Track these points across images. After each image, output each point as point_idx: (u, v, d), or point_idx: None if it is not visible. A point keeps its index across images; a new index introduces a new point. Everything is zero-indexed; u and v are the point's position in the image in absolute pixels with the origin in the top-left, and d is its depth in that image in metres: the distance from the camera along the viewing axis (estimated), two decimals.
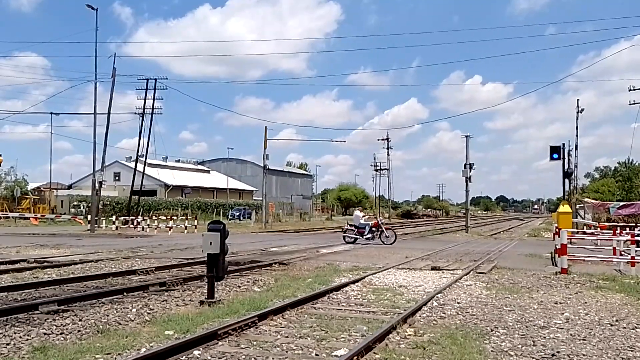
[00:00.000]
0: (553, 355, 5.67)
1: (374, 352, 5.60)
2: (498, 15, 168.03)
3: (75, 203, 51.04)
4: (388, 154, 77.13)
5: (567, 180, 31.71)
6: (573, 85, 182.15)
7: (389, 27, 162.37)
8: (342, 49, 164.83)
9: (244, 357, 5.41)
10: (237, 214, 56.59)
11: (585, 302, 8.93)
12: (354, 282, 10.71)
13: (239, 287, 10.18)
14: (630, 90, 34.60)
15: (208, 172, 77.09)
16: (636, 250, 12.89)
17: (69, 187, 63.67)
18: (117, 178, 61.28)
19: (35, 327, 6.49)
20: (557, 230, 15.36)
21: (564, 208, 24.14)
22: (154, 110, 39.52)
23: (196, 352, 5.49)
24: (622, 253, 14.17)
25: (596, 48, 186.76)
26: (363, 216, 23.92)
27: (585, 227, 26.71)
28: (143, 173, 41.24)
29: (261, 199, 49.83)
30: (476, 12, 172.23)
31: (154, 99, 39.24)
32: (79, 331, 6.41)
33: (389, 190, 79.59)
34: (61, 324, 6.66)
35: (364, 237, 22.15)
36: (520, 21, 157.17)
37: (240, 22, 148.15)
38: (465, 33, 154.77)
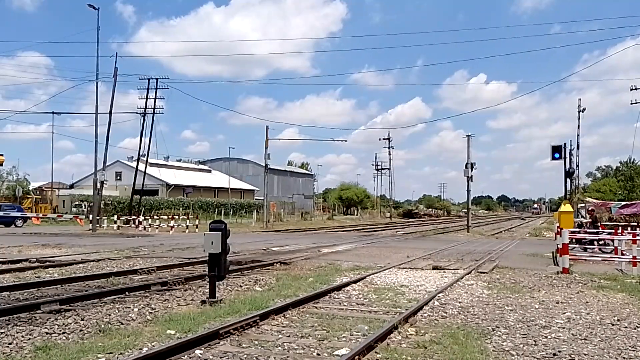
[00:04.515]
0: (554, 354, 5.67)
1: (376, 352, 5.61)
2: (502, 14, 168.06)
3: (76, 202, 51.12)
4: (389, 153, 77.24)
5: (568, 180, 31.71)
6: (577, 84, 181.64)
7: (394, 26, 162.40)
8: (346, 48, 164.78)
9: (245, 356, 5.42)
10: None
11: (587, 302, 8.92)
12: (355, 282, 10.71)
13: (241, 286, 10.19)
14: (632, 89, 34.59)
15: (209, 171, 77.09)
16: (638, 250, 12.87)
17: (71, 186, 63.74)
18: (118, 178, 61.29)
19: (38, 326, 6.50)
20: (559, 229, 15.35)
21: (566, 207, 24.08)
22: (156, 109, 39.58)
23: (198, 352, 5.50)
24: (624, 253, 14.15)
25: (601, 47, 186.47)
26: None
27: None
28: (144, 173, 41.29)
29: (262, 198, 49.84)
30: (480, 11, 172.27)
31: (155, 98, 39.31)
32: (81, 330, 6.43)
33: (390, 190, 79.66)
34: (63, 324, 6.68)
35: None
36: (524, 20, 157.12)
37: (244, 20, 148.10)
38: (469, 32, 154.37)
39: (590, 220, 19.42)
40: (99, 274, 11.38)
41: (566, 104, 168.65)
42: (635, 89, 34.48)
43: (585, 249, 17.75)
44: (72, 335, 6.20)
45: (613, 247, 16.98)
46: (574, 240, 19.04)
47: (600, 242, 17.63)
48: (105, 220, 35.10)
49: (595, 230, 17.28)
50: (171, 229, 31.44)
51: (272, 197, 61.99)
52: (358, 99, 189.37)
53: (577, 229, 19.06)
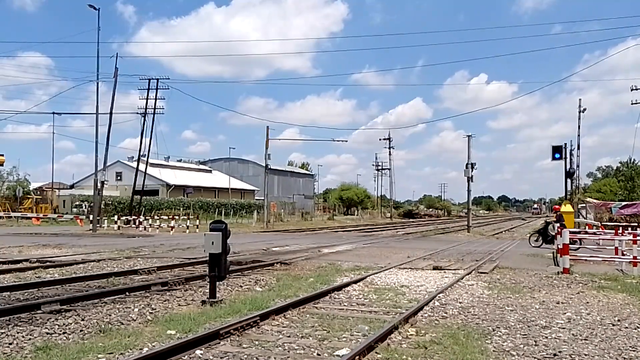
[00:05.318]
0: (555, 355, 5.67)
1: (376, 352, 5.61)
2: (503, 14, 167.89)
3: (77, 203, 51.07)
4: (390, 154, 77.27)
5: (569, 180, 31.69)
6: (578, 84, 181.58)
7: (394, 27, 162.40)
8: (347, 48, 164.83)
9: (246, 356, 5.42)
10: None
11: (587, 302, 8.92)
12: (355, 282, 10.71)
13: (241, 286, 10.19)
14: (632, 89, 34.54)
15: (210, 171, 77.08)
16: (638, 250, 12.85)
17: (71, 186, 63.69)
18: (119, 178, 61.28)
19: (38, 326, 6.51)
20: (559, 230, 15.34)
21: (566, 208, 24.14)
22: (156, 110, 39.52)
23: (198, 352, 5.50)
24: (624, 253, 14.15)
25: (602, 47, 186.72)
26: None
27: (587, 227, 26.66)
28: (145, 173, 41.27)
29: (263, 198, 49.83)
30: (481, 11, 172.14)
31: (155, 98, 39.22)
32: (81, 331, 6.43)
33: (391, 190, 79.68)
34: (64, 324, 6.68)
35: None
36: (525, 20, 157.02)
37: (245, 21, 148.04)
38: (470, 32, 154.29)
39: (555, 219, 20.72)
40: (99, 274, 11.39)
41: (567, 104, 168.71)
42: (636, 89, 34.40)
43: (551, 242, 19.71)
44: (72, 336, 6.20)
45: (579, 245, 18.50)
46: (539, 238, 21.21)
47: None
48: (106, 221, 35.11)
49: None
50: (171, 229, 31.44)
51: (273, 197, 61.96)
52: (359, 99, 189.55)
53: (544, 227, 21.47)
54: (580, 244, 18.64)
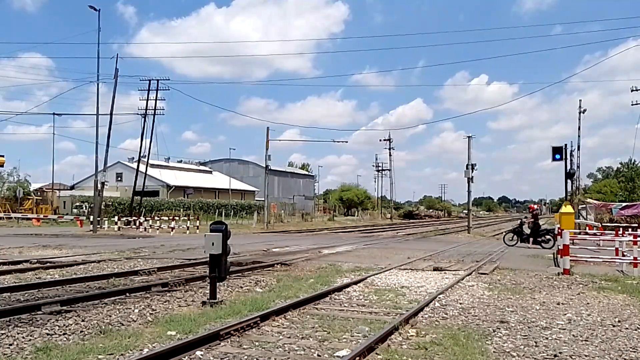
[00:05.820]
0: (555, 356, 5.67)
1: (376, 353, 5.61)
2: (504, 15, 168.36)
3: (77, 204, 51.05)
4: (390, 154, 77.23)
5: (569, 181, 31.68)
6: (579, 85, 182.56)
7: (395, 27, 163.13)
8: (347, 49, 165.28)
9: (246, 357, 5.42)
10: None
11: (588, 303, 8.92)
12: (356, 283, 10.71)
13: (241, 287, 10.19)
14: (632, 90, 34.58)
15: (210, 172, 77.12)
16: (638, 251, 12.85)
17: (72, 187, 63.66)
18: (119, 179, 61.27)
19: (38, 327, 6.50)
20: (560, 230, 15.34)
21: (567, 209, 24.15)
22: (157, 110, 39.57)
23: (198, 353, 5.50)
24: (625, 254, 14.14)
25: (603, 48, 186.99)
26: None
27: (587, 228, 26.67)
28: (145, 174, 41.30)
29: (263, 199, 49.84)
30: (482, 11, 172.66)
31: (156, 99, 39.30)
32: (81, 332, 6.43)
33: (391, 191, 79.68)
34: (64, 325, 6.68)
35: None
36: (526, 21, 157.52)
37: (246, 21, 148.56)
38: (470, 33, 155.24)
39: (532, 219, 21.96)
40: (99, 275, 11.39)
41: (567, 105, 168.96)
42: (636, 89, 34.50)
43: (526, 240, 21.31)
44: (72, 336, 6.20)
45: (554, 242, 19.37)
46: (514, 237, 22.09)
47: (540, 238, 20.72)
48: (106, 222, 35.12)
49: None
50: (172, 230, 31.45)
51: (273, 198, 61.98)
52: (359, 99, 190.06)
53: (518, 225, 22.63)
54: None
